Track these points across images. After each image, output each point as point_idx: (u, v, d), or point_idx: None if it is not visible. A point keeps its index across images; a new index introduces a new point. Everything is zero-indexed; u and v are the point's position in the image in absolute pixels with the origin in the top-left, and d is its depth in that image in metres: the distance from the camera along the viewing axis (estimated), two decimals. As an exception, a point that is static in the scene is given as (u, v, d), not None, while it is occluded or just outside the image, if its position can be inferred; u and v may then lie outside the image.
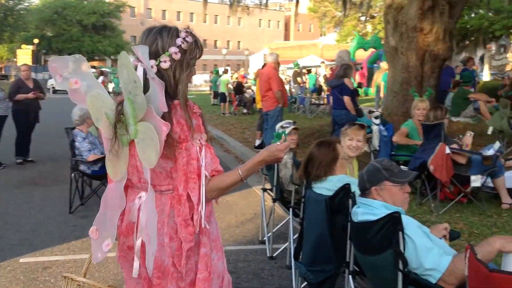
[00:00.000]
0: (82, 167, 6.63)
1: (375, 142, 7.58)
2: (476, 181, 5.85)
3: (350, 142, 4.29)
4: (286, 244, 4.96)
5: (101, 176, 6.40)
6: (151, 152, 2.05)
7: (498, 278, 1.88)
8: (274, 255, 5.03)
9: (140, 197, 2.20)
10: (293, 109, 18.93)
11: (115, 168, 2.21)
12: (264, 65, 14.17)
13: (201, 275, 2.20)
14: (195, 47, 2.20)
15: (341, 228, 3.32)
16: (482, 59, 33.29)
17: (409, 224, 2.76)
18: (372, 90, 20.65)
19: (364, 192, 3.06)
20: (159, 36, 2.16)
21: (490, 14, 25.63)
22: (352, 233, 3.16)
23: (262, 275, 4.62)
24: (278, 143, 2.28)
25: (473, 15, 26.92)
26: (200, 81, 48.39)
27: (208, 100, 26.16)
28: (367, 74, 25.40)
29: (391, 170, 3.01)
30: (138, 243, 2.17)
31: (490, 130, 10.33)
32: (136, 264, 2.18)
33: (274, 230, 5.27)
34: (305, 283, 3.90)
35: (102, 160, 6.27)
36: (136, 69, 2.08)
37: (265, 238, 5.40)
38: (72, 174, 6.70)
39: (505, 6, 22.01)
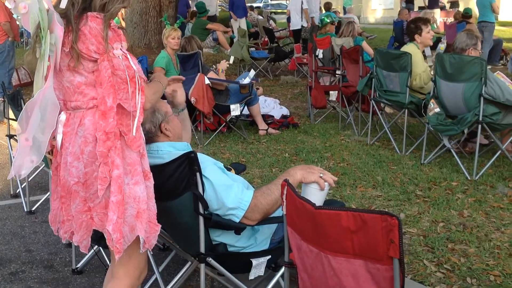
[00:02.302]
0: None
1: (128, 75, 7.18)
2: (235, 110, 5.95)
3: None
4: (47, 195, 4.39)
5: None
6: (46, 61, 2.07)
7: (325, 215, 1.78)
8: (33, 209, 4.43)
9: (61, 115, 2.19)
10: (22, 44, 17.13)
11: (36, 84, 2.16)
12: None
13: (115, 198, 2.13)
14: None
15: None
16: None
17: (204, 162, 2.52)
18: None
19: (148, 136, 2.69)
20: None
21: None
22: (139, 179, 2.82)
23: (22, 233, 4.03)
24: None
25: None
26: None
27: None
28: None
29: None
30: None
31: (231, 60, 10.69)
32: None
33: (29, 180, 4.61)
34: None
35: None
36: None
37: (18, 191, 4.75)
38: None
39: None
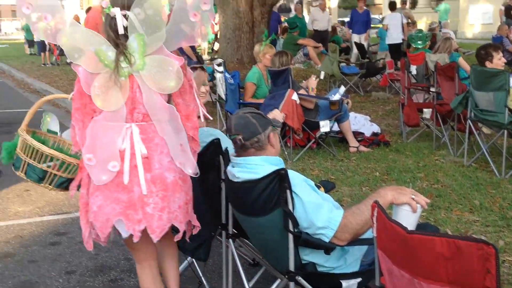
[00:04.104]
0: None
1: (221, 90, 7.35)
2: (325, 126, 5.94)
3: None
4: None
5: None
6: (169, 81, 2.43)
7: (417, 240, 1.74)
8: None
9: (128, 127, 2.44)
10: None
11: (106, 99, 2.39)
12: (89, 8, 13.16)
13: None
14: None
15: (215, 188, 3.04)
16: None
17: (295, 179, 2.54)
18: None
19: (258, 145, 2.67)
20: None
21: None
22: (230, 194, 2.88)
23: (122, 242, 4.20)
24: None
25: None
26: (11, 29, 44.05)
27: (22, 50, 24.11)
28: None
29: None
30: (139, 162, 2.45)
31: (322, 75, 10.69)
32: (142, 180, 2.45)
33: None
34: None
35: None
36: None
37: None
38: None
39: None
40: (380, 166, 5.71)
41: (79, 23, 9.82)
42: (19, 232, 4.38)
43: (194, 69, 4.32)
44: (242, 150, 2.67)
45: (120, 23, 2.40)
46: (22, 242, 4.19)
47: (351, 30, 14.80)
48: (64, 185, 2.79)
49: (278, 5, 21.62)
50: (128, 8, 2.40)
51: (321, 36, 14.14)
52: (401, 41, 13.17)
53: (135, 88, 2.43)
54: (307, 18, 16.10)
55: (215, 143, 2.94)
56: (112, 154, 2.43)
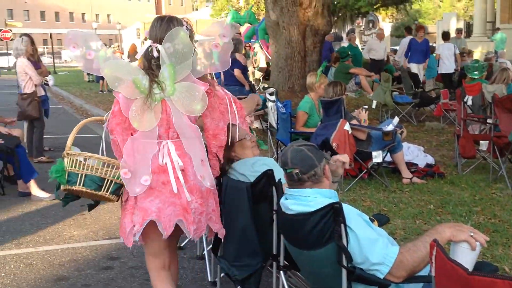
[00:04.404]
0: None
1: (272, 119, 7.38)
2: (377, 157, 5.85)
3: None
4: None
5: None
6: (196, 104, 2.79)
7: (479, 281, 1.68)
8: (182, 244, 4.62)
9: (165, 144, 2.78)
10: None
11: (141, 121, 2.72)
12: (146, 39, 13.55)
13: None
14: None
15: (267, 219, 3.03)
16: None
17: (350, 213, 2.50)
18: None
19: (315, 178, 2.66)
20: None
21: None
22: (283, 226, 2.86)
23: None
24: None
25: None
26: (70, 57, 45.69)
27: (81, 77, 25.03)
28: (244, 50, 25.41)
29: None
30: (179, 174, 2.78)
31: (374, 104, 10.62)
32: (185, 188, 2.78)
33: (179, 218, 4.89)
34: (222, 274, 3.59)
35: None
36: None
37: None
38: None
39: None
40: (434, 198, 5.56)
41: (137, 51, 10.55)
42: (74, 255, 4.49)
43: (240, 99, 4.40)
44: (298, 183, 2.66)
45: (140, 50, 2.78)
46: (76, 265, 4.29)
47: (407, 60, 14.62)
48: (117, 192, 2.93)
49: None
50: (161, 42, 2.73)
51: (377, 66, 14.12)
52: (453, 71, 13.14)
53: (169, 111, 2.76)
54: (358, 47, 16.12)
55: (269, 174, 2.95)
56: (144, 169, 2.74)
